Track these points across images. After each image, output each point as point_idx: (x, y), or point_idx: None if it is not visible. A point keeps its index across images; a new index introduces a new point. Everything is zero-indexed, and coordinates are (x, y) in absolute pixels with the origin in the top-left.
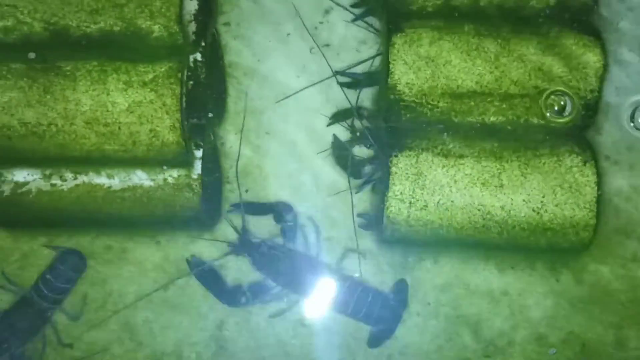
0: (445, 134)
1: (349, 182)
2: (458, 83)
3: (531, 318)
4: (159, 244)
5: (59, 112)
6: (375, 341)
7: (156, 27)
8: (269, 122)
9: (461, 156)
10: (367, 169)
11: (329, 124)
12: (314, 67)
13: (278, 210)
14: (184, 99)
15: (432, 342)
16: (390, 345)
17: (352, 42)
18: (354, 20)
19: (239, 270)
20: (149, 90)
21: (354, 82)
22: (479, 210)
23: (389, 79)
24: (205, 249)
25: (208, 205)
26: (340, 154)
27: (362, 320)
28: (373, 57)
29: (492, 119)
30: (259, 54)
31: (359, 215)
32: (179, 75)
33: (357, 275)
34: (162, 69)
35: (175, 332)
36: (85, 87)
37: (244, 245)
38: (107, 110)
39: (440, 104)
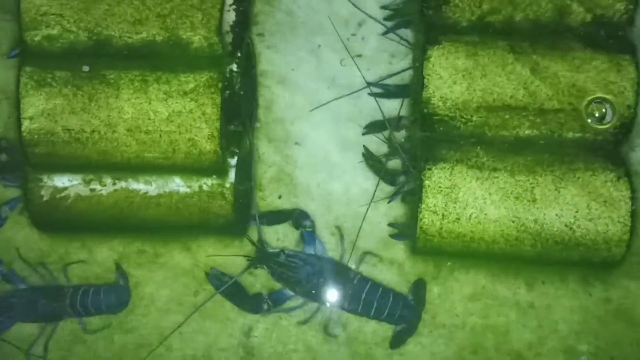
0: (479, 147)
1: (374, 192)
2: (493, 97)
3: (559, 331)
4: (189, 249)
5: (102, 119)
6: (397, 341)
7: (196, 38)
8: (300, 131)
9: (495, 169)
10: (402, 178)
11: (364, 134)
12: (344, 79)
13: (295, 217)
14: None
15: (459, 353)
16: (418, 354)
17: (384, 54)
18: (385, 33)
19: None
20: (189, 99)
21: (386, 93)
22: (512, 222)
23: (423, 92)
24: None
25: (240, 212)
26: (374, 163)
27: (384, 321)
28: (404, 70)
29: (526, 132)
30: (291, 64)
31: (390, 224)
32: (219, 85)
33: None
34: (202, 79)
35: (205, 337)
36: (128, 95)
37: (261, 257)
38: (149, 119)
39: (474, 118)
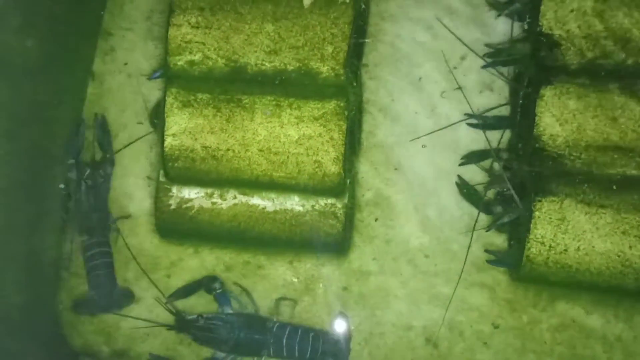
0: (586, 184)
1: (475, 222)
2: (602, 137)
3: None
4: (291, 263)
5: (237, 139)
6: None
7: (325, 69)
8: (399, 157)
9: (602, 206)
10: (498, 208)
11: (462, 164)
12: (444, 109)
13: (205, 283)
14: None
15: None
16: None
17: (483, 87)
18: (485, 67)
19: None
20: (318, 125)
21: (485, 125)
22: (618, 257)
23: (534, 129)
24: (334, 270)
25: (345, 232)
26: (468, 191)
27: (310, 359)
28: (502, 105)
29: (633, 172)
30: (393, 93)
31: (487, 251)
32: (345, 112)
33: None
34: (330, 106)
35: None
36: (262, 119)
37: (181, 325)
38: (279, 141)
39: (583, 156)
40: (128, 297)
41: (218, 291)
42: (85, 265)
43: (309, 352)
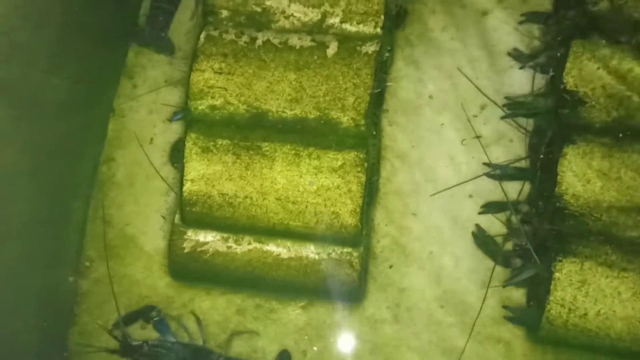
0: (608, 245)
1: (490, 276)
2: (626, 199)
3: None
4: (303, 308)
5: (255, 187)
6: None
7: (345, 119)
8: (416, 205)
9: (624, 269)
10: (517, 261)
11: (480, 213)
12: (463, 158)
13: (143, 312)
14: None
15: None
16: None
17: (502, 138)
18: (504, 117)
19: None
20: (337, 176)
21: (504, 175)
22: None
23: (556, 188)
24: (346, 318)
25: (361, 281)
26: (485, 242)
27: None
28: (524, 158)
29: None
30: (412, 140)
31: (505, 307)
32: (365, 164)
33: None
34: (350, 157)
35: None
36: (281, 167)
37: (125, 350)
38: (298, 191)
39: (604, 217)
40: (170, 47)
41: (155, 319)
42: (151, 3)
43: None
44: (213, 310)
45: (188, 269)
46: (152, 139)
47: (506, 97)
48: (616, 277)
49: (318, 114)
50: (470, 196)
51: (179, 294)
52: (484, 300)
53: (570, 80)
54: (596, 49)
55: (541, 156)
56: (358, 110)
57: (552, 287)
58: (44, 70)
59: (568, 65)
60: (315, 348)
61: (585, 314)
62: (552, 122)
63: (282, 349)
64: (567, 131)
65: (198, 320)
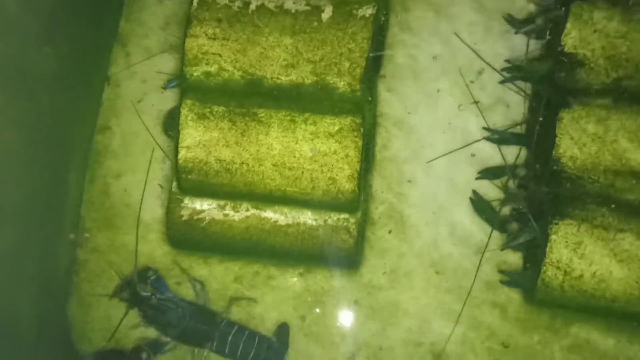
0: (605, 207)
1: (487, 241)
2: (622, 162)
3: None
4: (301, 275)
5: (251, 153)
6: None
7: (341, 84)
8: (413, 172)
9: (620, 230)
10: (514, 225)
11: (478, 178)
12: (460, 124)
13: (139, 274)
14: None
15: None
16: None
17: (500, 102)
18: (503, 82)
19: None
20: (334, 141)
21: (502, 140)
22: (636, 283)
23: (553, 151)
24: (344, 284)
25: (357, 247)
26: (483, 208)
27: None
28: (521, 123)
29: None
30: (408, 107)
31: (501, 271)
32: (361, 129)
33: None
34: (346, 122)
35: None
36: (277, 133)
37: (134, 299)
38: (294, 157)
39: (601, 179)
40: None
41: (152, 278)
42: None
43: (251, 355)
44: (211, 278)
45: (186, 237)
46: (142, 102)
47: (507, 61)
48: (612, 239)
49: (314, 79)
50: (467, 162)
51: (177, 262)
52: (479, 264)
53: (569, 42)
54: (596, 10)
55: (540, 119)
56: (354, 76)
57: (547, 249)
58: (36, 41)
59: (568, 26)
60: (317, 310)
61: (581, 276)
62: (548, 86)
63: (281, 322)
64: (564, 95)
65: (201, 284)
